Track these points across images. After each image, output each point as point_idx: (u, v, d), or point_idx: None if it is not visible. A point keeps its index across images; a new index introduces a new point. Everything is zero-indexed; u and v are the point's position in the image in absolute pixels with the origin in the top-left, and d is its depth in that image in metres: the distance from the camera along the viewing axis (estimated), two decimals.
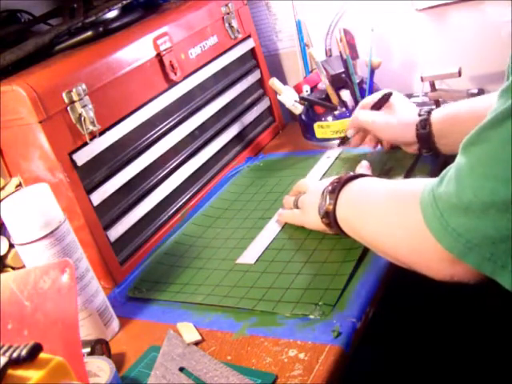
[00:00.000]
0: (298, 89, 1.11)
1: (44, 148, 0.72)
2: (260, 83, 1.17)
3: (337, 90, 1.03)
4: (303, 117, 1.07)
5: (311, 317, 0.62)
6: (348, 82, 1.02)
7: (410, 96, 1.10)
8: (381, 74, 1.06)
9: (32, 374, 0.36)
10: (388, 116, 0.87)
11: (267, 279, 0.71)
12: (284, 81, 1.21)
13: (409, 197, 0.55)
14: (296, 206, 0.79)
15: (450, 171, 0.48)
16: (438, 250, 0.49)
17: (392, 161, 0.88)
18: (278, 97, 1.06)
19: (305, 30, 1.17)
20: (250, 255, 0.77)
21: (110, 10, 0.90)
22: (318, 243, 0.74)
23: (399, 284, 0.72)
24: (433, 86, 1.04)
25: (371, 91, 1.03)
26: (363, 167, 0.80)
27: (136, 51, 0.86)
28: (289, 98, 1.05)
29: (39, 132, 0.71)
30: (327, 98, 1.03)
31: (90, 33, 0.87)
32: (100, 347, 0.64)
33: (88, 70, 0.78)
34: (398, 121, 0.86)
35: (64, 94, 0.73)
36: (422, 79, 1.02)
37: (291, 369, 0.56)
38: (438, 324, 0.89)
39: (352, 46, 1.04)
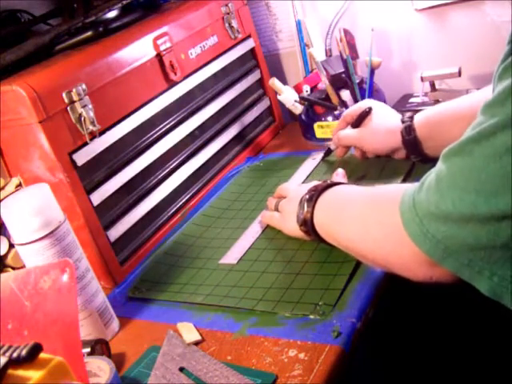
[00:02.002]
0: (298, 89, 1.11)
1: (44, 148, 0.72)
2: (260, 83, 1.17)
3: (337, 90, 1.03)
4: (303, 117, 1.07)
5: (311, 317, 0.62)
6: (348, 82, 1.02)
7: (409, 96, 1.10)
8: (381, 74, 1.06)
9: (32, 374, 0.36)
10: (371, 129, 0.87)
11: (267, 279, 0.71)
12: (284, 81, 1.21)
13: (388, 201, 0.55)
14: (276, 209, 0.81)
15: (430, 177, 0.49)
16: (416, 254, 0.50)
17: (389, 167, 0.88)
18: (278, 97, 1.06)
19: (305, 30, 1.17)
20: (232, 255, 0.79)
21: (110, 10, 0.90)
22: (318, 243, 0.74)
23: (399, 284, 0.72)
24: (433, 86, 1.04)
25: (371, 91, 1.03)
26: (339, 175, 0.82)
27: (136, 51, 0.86)
28: (289, 98, 1.05)
29: (39, 132, 0.71)
30: (327, 98, 1.03)
31: (89, 33, 0.87)
32: (100, 347, 0.64)
33: (88, 70, 0.78)
34: (382, 132, 0.86)
35: (64, 94, 0.73)
36: (422, 79, 1.02)
37: (291, 369, 0.56)
38: (438, 324, 0.90)
39: (352, 46, 1.04)
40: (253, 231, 0.84)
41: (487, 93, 0.45)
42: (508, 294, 0.45)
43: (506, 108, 0.41)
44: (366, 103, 0.89)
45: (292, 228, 0.74)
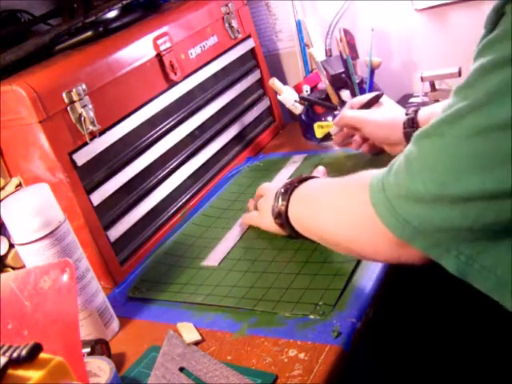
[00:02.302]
0: (298, 89, 1.11)
1: (44, 148, 0.72)
2: (260, 83, 1.17)
3: (337, 90, 1.03)
4: (303, 117, 1.07)
5: (311, 317, 0.62)
6: (348, 82, 1.02)
7: (409, 96, 1.10)
8: (381, 74, 1.06)
9: (32, 374, 0.36)
10: (376, 113, 0.88)
11: (267, 279, 0.71)
12: (284, 81, 1.21)
13: (358, 186, 0.57)
14: (256, 208, 0.82)
15: (399, 160, 0.50)
16: (385, 234, 0.51)
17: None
18: (278, 97, 1.06)
19: (305, 30, 1.17)
20: (214, 258, 0.79)
21: (110, 10, 0.90)
22: (318, 243, 0.74)
23: (399, 284, 0.72)
24: (433, 86, 1.04)
25: (371, 91, 1.03)
26: (319, 172, 0.83)
27: (136, 51, 0.86)
28: (289, 98, 1.05)
29: (39, 132, 0.71)
30: (327, 98, 1.03)
31: (89, 33, 0.87)
32: (100, 347, 0.64)
33: (88, 70, 0.78)
34: (386, 119, 0.87)
35: (64, 94, 0.73)
36: (422, 79, 1.02)
37: (291, 369, 0.56)
38: (437, 324, 0.90)
39: (352, 46, 1.04)
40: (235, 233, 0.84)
41: None
42: (473, 272, 0.46)
43: (476, 90, 0.42)
44: (372, 93, 0.91)
45: (268, 223, 0.76)
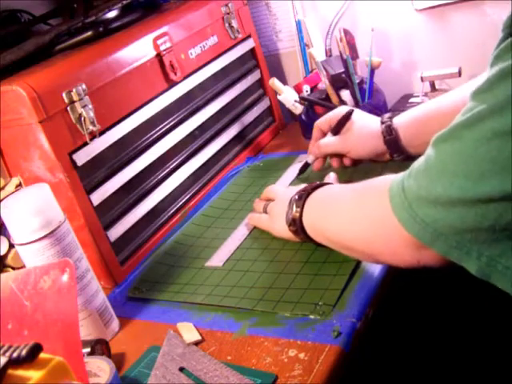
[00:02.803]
0: (298, 89, 1.11)
1: (44, 148, 0.72)
2: (260, 83, 1.17)
3: (337, 90, 1.03)
4: (303, 117, 1.07)
5: (311, 317, 0.62)
6: (348, 82, 1.02)
7: (409, 96, 1.10)
8: (381, 74, 1.06)
9: (32, 374, 0.36)
10: (354, 135, 0.86)
11: (267, 279, 0.71)
12: (284, 81, 1.21)
13: (375, 190, 0.57)
14: (265, 211, 0.81)
15: (419, 163, 0.50)
16: (404, 237, 0.51)
17: (374, 171, 0.87)
18: (278, 97, 1.06)
19: (305, 30, 1.17)
20: (218, 258, 0.79)
21: (110, 10, 0.90)
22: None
23: (399, 284, 0.72)
24: (433, 86, 1.04)
25: (371, 91, 1.03)
26: (331, 178, 0.82)
27: (136, 51, 0.86)
28: (289, 98, 1.05)
29: (39, 132, 0.71)
30: (327, 98, 1.03)
31: (89, 33, 0.87)
32: (100, 347, 0.64)
33: (88, 70, 0.78)
34: (365, 136, 0.86)
35: (64, 94, 0.73)
36: (422, 79, 1.03)
37: (291, 369, 0.56)
38: (438, 324, 0.90)
39: (352, 46, 1.04)
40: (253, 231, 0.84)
41: (470, 89, 0.46)
42: (496, 273, 0.46)
43: (495, 94, 0.42)
44: (341, 109, 0.88)
45: (280, 229, 0.75)
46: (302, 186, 0.74)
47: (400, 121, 0.82)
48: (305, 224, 0.70)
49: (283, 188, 0.82)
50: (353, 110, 0.87)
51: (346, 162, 0.90)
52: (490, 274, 0.46)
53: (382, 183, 0.56)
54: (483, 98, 0.43)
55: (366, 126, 0.86)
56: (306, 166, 0.94)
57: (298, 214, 0.70)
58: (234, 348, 0.62)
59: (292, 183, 0.93)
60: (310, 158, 0.93)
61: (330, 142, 0.89)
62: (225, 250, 0.81)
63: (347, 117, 0.87)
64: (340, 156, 0.91)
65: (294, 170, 0.97)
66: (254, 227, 0.84)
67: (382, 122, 0.83)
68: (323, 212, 0.67)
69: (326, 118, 0.90)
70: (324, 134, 0.91)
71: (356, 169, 0.90)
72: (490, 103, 0.42)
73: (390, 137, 0.82)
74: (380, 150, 0.84)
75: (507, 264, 0.45)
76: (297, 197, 0.71)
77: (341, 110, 0.88)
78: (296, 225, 0.70)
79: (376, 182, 0.59)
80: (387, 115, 0.84)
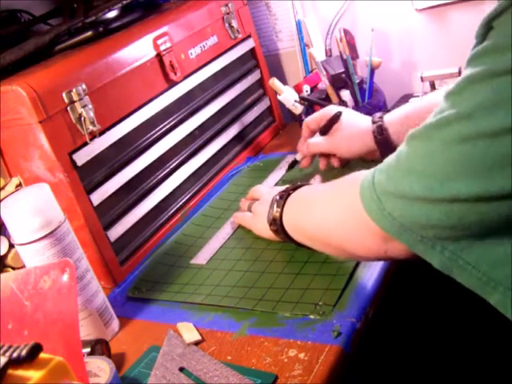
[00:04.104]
0: (298, 89, 1.11)
1: (44, 148, 0.72)
2: (260, 83, 1.17)
3: (337, 90, 1.03)
4: (303, 117, 1.07)
5: (311, 317, 0.62)
6: (348, 82, 1.02)
7: (409, 96, 1.10)
8: (381, 74, 1.06)
9: (32, 374, 0.36)
10: (344, 135, 0.86)
11: (267, 279, 0.71)
12: (284, 81, 1.21)
13: (348, 183, 0.59)
14: (249, 210, 0.83)
15: (391, 159, 0.51)
16: (372, 229, 0.52)
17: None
18: (278, 97, 1.06)
19: (305, 30, 1.17)
20: (203, 256, 0.81)
21: (110, 10, 0.90)
22: None
23: (399, 284, 0.72)
24: (433, 86, 1.04)
25: (371, 91, 1.03)
26: (316, 181, 0.84)
27: (136, 51, 0.86)
28: (289, 98, 1.05)
29: (39, 132, 0.71)
30: (327, 98, 1.03)
31: (89, 33, 0.87)
32: (100, 347, 0.64)
33: (88, 70, 0.78)
34: (355, 135, 0.86)
35: (64, 94, 0.73)
36: (422, 79, 1.02)
37: (291, 369, 0.56)
38: (438, 324, 0.90)
39: (352, 46, 1.04)
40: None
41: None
42: (458, 268, 0.47)
43: (464, 99, 0.43)
44: (331, 109, 0.89)
45: (262, 228, 0.77)
46: (286, 186, 0.76)
47: (390, 119, 0.82)
48: (285, 224, 0.71)
49: (268, 188, 0.83)
50: (341, 113, 0.87)
51: (334, 162, 0.91)
52: (451, 268, 0.47)
53: (354, 177, 0.58)
54: (453, 100, 0.44)
55: (355, 126, 0.86)
56: (295, 162, 0.95)
57: (278, 214, 0.71)
58: (234, 348, 0.62)
59: (278, 183, 0.95)
60: (298, 156, 0.94)
61: (318, 142, 0.90)
62: (209, 249, 0.83)
63: (336, 119, 0.87)
64: (328, 156, 0.91)
65: (280, 171, 0.98)
66: (239, 226, 0.85)
67: (373, 122, 0.83)
68: (302, 210, 0.68)
69: (315, 116, 0.91)
70: (313, 133, 0.92)
71: (344, 170, 0.90)
72: (458, 107, 0.43)
73: (381, 137, 0.82)
74: (369, 148, 0.84)
75: (468, 260, 0.46)
76: (278, 197, 0.72)
77: (330, 110, 0.88)
78: (276, 224, 0.72)
79: (350, 176, 0.60)
80: (378, 114, 0.84)
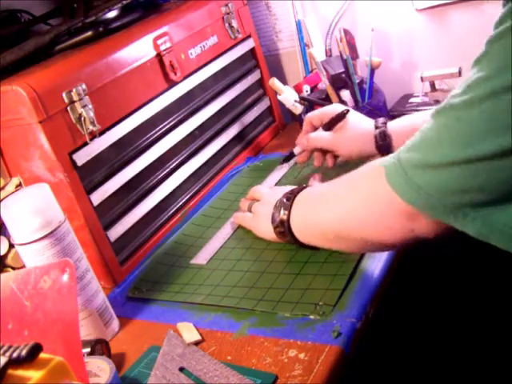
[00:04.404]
0: (298, 89, 1.11)
1: (44, 148, 0.72)
2: (260, 83, 1.17)
3: (337, 90, 1.03)
4: (303, 117, 1.07)
5: (311, 317, 0.62)
6: (348, 82, 1.02)
7: (409, 96, 1.10)
8: (381, 74, 1.06)
9: (32, 374, 0.36)
10: (346, 133, 0.86)
11: (267, 279, 0.71)
12: (284, 81, 1.21)
13: (369, 169, 0.58)
14: (249, 210, 0.82)
15: (415, 138, 0.51)
16: (398, 206, 0.52)
17: None
18: (278, 97, 1.06)
19: (305, 30, 1.17)
20: (203, 256, 0.81)
21: (110, 10, 0.90)
22: None
23: (399, 284, 0.72)
24: (433, 86, 1.04)
25: (371, 91, 1.03)
26: (316, 181, 0.83)
27: (136, 51, 0.86)
28: (289, 98, 1.05)
29: (39, 132, 0.71)
30: (327, 98, 1.03)
31: (89, 33, 0.87)
32: (100, 347, 0.64)
33: (88, 70, 0.78)
34: (356, 136, 0.86)
35: (64, 94, 0.73)
36: (422, 79, 1.03)
37: (291, 369, 0.56)
38: (438, 324, 0.90)
39: (352, 46, 1.04)
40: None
41: None
42: (494, 231, 0.47)
43: (488, 60, 0.44)
44: (336, 107, 0.88)
45: (265, 230, 0.76)
46: (288, 187, 0.76)
47: (395, 127, 0.82)
48: (292, 225, 0.70)
49: (268, 189, 0.83)
50: (348, 110, 0.87)
51: (329, 161, 0.90)
52: (488, 234, 0.47)
53: (374, 164, 0.58)
54: (478, 66, 0.45)
55: (359, 128, 0.86)
56: (291, 155, 0.95)
57: (285, 217, 0.70)
58: (233, 348, 0.62)
59: (278, 183, 0.95)
60: (296, 149, 0.94)
61: (320, 137, 0.89)
62: (209, 249, 0.83)
63: (343, 116, 0.86)
64: (324, 154, 0.91)
65: (280, 171, 0.98)
66: (239, 226, 0.85)
67: (377, 127, 0.83)
68: (314, 207, 0.68)
69: (319, 112, 0.90)
70: (314, 129, 0.91)
71: (339, 171, 0.90)
72: (483, 70, 0.44)
73: (383, 142, 0.82)
74: (369, 153, 0.84)
75: (502, 222, 0.46)
76: (284, 199, 0.71)
77: (335, 108, 0.88)
78: (284, 226, 0.71)
79: (367, 165, 0.60)
80: (381, 120, 0.83)
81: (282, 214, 0.71)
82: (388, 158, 0.54)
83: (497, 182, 0.44)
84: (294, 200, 0.71)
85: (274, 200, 0.74)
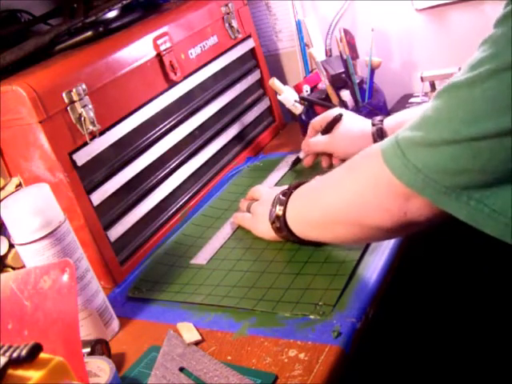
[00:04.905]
0: (298, 89, 1.11)
1: (44, 148, 0.72)
2: (260, 83, 1.17)
3: (337, 90, 1.03)
4: (303, 117, 1.07)
5: (311, 317, 0.62)
6: (348, 82, 1.02)
7: (409, 96, 1.10)
8: (381, 74, 1.06)
9: (32, 374, 0.36)
10: (344, 135, 0.87)
11: (267, 279, 0.71)
12: (284, 81, 1.21)
13: (367, 153, 0.59)
14: (248, 211, 0.83)
15: (415, 119, 0.51)
16: (394, 187, 0.52)
17: None
18: (278, 97, 1.06)
19: (305, 30, 1.17)
20: (203, 256, 0.81)
21: (110, 10, 0.90)
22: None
23: (399, 284, 0.72)
24: (433, 85, 1.04)
25: (371, 91, 1.03)
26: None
27: (136, 51, 0.86)
28: (289, 98, 1.05)
29: (39, 132, 0.71)
30: (327, 98, 1.03)
31: (89, 33, 0.87)
32: (100, 347, 0.64)
33: (88, 70, 0.78)
34: (354, 136, 0.86)
35: (64, 94, 0.73)
36: (422, 79, 1.03)
37: (291, 369, 0.56)
38: (438, 324, 0.90)
39: (352, 46, 1.04)
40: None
41: None
42: (484, 216, 0.47)
43: (491, 42, 0.44)
44: (335, 111, 0.90)
45: (263, 229, 0.77)
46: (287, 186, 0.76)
47: (391, 123, 0.82)
48: (288, 219, 0.71)
49: (268, 188, 0.83)
50: (341, 115, 0.88)
51: (335, 161, 0.91)
52: (477, 218, 0.47)
53: (371, 148, 0.58)
54: (482, 48, 0.44)
55: (355, 128, 0.87)
56: (298, 160, 0.97)
57: (281, 212, 0.71)
58: (233, 348, 0.62)
59: (278, 183, 0.95)
60: (301, 154, 0.96)
61: (317, 141, 0.91)
62: (209, 249, 0.83)
63: (337, 120, 0.88)
64: (330, 155, 0.92)
65: (280, 171, 0.99)
66: (238, 226, 0.85)
67: (373, 125, 0.84)
68: (307, 201, 0.69)
69: (319, 118, 0.92)
70: (317, 133, 0.93)
71: None
72: (486, 51, 0.43)
73: (381, 139, 0.81)
74: None
75: (494, 207, 0.46)
76: (281, 195, 0.73)
77: (333, 112, 0.90)
78: (280, 221, 0.72)
79: (365, 150, 0.60)
80: (378, 118, 0.84)
81: (278, 210, 0.72)
82: (386, 140, 0.55)
83: (499, 162, 0.44)
84: (290, 196, 0.72)
85: (272, 198, 0.74)
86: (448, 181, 0.47)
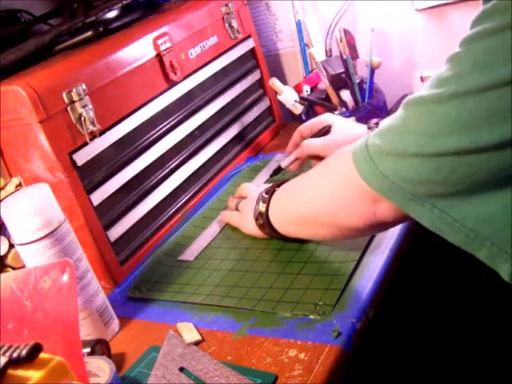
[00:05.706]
0: (298, 89, 1.11)
1: (44, 148, 0.72)
2: (260, 83, 1.17)
3: (337, 90, 1.03)
4: (303, 117, 1.07)
5: (311, 317, 0.62)
6: (348, 82, 1.02)
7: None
8: (381, 74, 1.06)
9: (32, 374, 0.36)
10: (338, 138, 0.86)
11: (267, 279, 0.71)
12: (284, 81, 1.21)
13: (339, 155, 0.60)
14: (237, 209, 0.84)
15: (384, 124, 0.52)
16: (364, 191, 0.54)
17: None
18: (278, 97, 1.06)
19: (305, 30, 1.17)
20: (190, 253, 0.83)
21: (110, 10, 0.90)
22: (318, 243, 0.74)
23: (399, 284, 0.72)
24: None
25: (371, 91, 1.03)
26: None
27: (136, 51, 0.86)
28: (289, 98, 1.05)
29: (39, 132, 0.71)
30: (327, 98, 1.03)
31: (90, 33, 0.87)
32: (100, 347, 0.64)
33: (88, 70, 0.78)
34: (350, 140, 0.85)
35: (64, 94, 0.73)
36: (422, 79, 1.03)
37: (291, 369, 0.56)
38: (438, 324, 0.90)
39: (352, 46, 1.04)
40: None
41: None
42: (446, 225, 0.48)
43: (460, 60, 0.44)
44: (326, 117, 0.89)
45: (249, 226, 0.78)
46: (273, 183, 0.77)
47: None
48: (270, 216, 0.72)
49: (255, 187, 0.84)
50: (330, 126, 0.87)
51: None
52: (440, 226, 0.48)
53: (342, 150, 0.59)
54: (450, 64, 0.46)
55: (351, 131, 0.86)
56: (279, 170, 0.93)
57: (264, 209, 0.73)
58: (234, 348, 0.62)
59: (267, 182, 0.95)
60: (284, 163, 0.91)
61: (313, 143, 0.88)
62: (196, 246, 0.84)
63: (326, 131, 0.87)
64: (322, 159, 0.90)
65: (269, 170, 0.98)
66: (226, 224, 0.86)
67: (369, 128, 0.83)
68: (288, 198, 0.70)
69: (309, 124, 0.91)
70: (303, 139, 0.91)
71: None
72: (454, 69, 0.45)
73: None
74: None
75: (456, 217, 0.47)
76: (264, 193, 0.74)
77: (325, 119, 0.89)
78: (263, 218, 0.73)
79: (339, 150, 0.61)
80: (374, 121, 0.84)
81: (261, 207, 0.73)
82: (358, 142, 0.56)
83: (460, 176, 0.45)
84: (273, 193, 0.73)
85: (258, 195, 0.76)
86: (413, 189, 0.49)
